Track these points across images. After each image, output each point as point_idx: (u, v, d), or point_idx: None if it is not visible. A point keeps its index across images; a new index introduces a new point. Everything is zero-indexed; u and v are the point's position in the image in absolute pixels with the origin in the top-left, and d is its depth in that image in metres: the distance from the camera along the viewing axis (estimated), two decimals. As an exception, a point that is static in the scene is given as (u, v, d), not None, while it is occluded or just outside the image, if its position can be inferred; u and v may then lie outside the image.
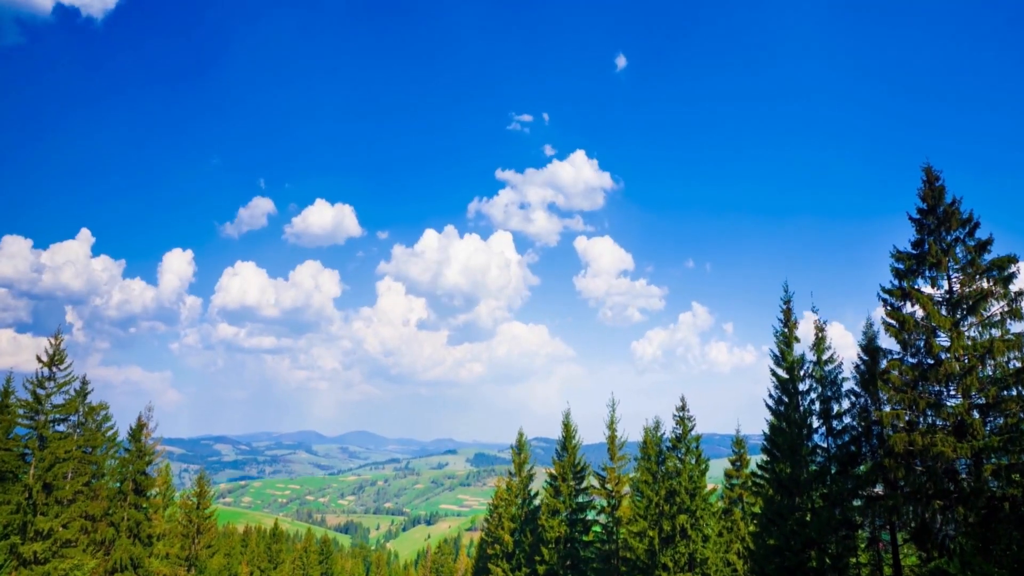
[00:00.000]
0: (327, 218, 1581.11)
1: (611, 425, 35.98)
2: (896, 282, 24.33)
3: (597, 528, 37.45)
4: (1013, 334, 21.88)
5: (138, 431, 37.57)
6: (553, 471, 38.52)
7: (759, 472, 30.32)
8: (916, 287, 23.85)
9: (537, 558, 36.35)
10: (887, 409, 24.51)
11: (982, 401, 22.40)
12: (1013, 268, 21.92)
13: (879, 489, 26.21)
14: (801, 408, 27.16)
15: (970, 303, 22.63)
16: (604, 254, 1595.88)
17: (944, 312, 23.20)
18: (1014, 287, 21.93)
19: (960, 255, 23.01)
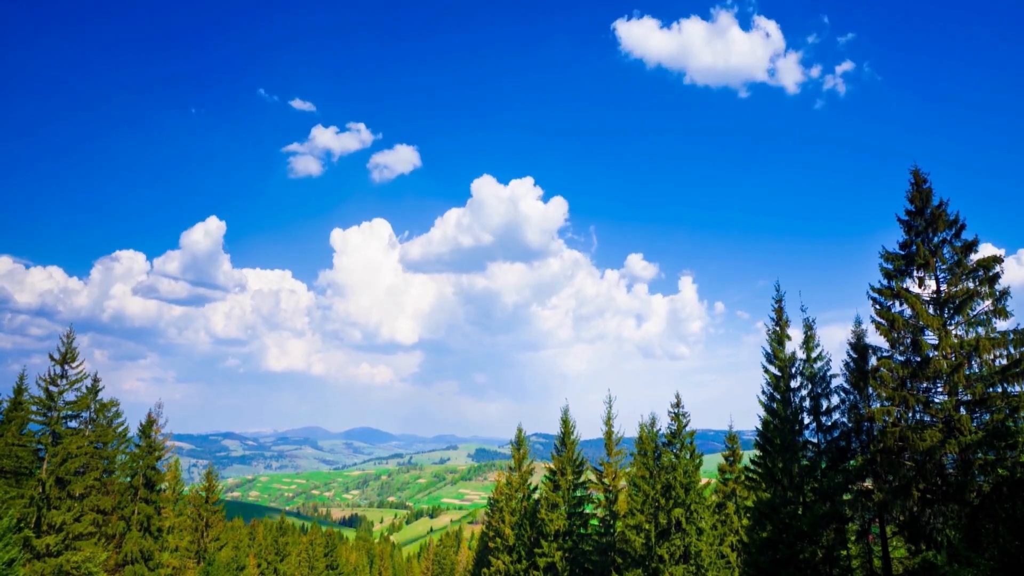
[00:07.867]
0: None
1: (608, 421, 36.60)
2: (885, 282, 24.85)
3: (595, 522, 38.12)
4: (999, 332, 22.46)
5: (148, 427, 38.32)
6: (552, 466, 39.15)
7: (752, 467, 30.95)
8: (905, 287, 24.38)
9: (537, 551, 36.99)
10: (877, 405, 25.08)
11: (969, 398, 22.91)
12: (998, 268, 22.50)
13: (869, 483, 26.80)
14: (792, 404, 27.76)
15: (957, 302, 23.16)
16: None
17: (932, 311, 23.73)
18: (999, 287, 22.50)
19: (947, 256, 23.56)
